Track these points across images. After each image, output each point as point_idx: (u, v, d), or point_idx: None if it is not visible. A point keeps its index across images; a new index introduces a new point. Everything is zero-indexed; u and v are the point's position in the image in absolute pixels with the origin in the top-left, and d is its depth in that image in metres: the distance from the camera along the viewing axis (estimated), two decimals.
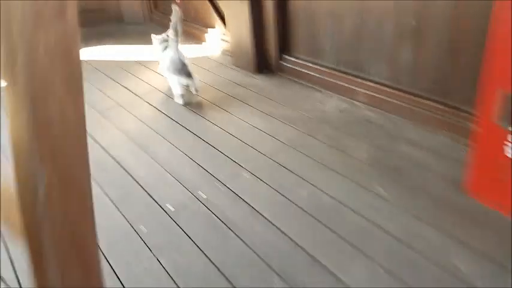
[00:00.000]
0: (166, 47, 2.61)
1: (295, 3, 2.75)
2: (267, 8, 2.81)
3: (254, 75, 3.07)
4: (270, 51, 2.98)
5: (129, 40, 3.99)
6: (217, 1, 3.34)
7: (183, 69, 2.50)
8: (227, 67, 3.28)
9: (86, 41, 3.95)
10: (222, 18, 3.38)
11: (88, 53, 3.72)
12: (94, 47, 3.83)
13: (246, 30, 2.92)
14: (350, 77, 2.57)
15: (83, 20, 0.70)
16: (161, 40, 2.66)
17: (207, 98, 2.82)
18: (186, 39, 3.79)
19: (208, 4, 3.42)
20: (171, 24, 2.51)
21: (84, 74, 0.68)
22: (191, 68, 2.62)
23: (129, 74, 3.28)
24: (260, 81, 3.01)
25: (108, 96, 2.92)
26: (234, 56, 3.24)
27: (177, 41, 2.54)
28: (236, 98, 2.79)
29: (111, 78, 3.23)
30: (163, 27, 4.30)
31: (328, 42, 2.65)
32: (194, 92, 2.74)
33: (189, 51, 3.63)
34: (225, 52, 3.50)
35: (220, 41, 3.53)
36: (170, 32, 2.55)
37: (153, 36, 2.72)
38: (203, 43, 3.72)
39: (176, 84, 2.61)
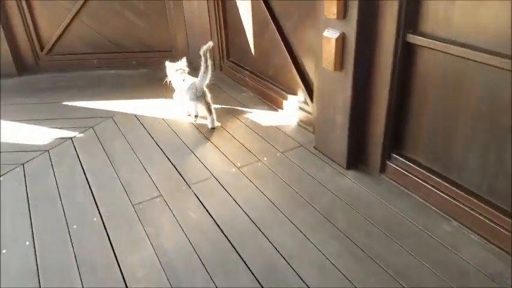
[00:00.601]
0: (183, 79, 2.83)
1: (424, 89, 1.87)
2: (379, 88, 1.98)
3: (344, 172, 2.23)
4: (373, 142, 2.13)
5: None
6: (305, 67, 2.60)
7: (203, 99, 2.72)
8: (304, 150, 2.46)
9: (146, 89, 3.40)
10: (308, 87, 2.61)
11: (151, 109, 3.14)
12: (154, 99, 3.26)
13: (342, 111, 2.11)
14: (501, 211, 1.64)
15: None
16: (176, 69, 2.90)
17: (273, 199, 2.04)
18: (257, 100, 3.18)
19: (292, 66, 2.69)
20: (202, 56, 2.61)
21: None
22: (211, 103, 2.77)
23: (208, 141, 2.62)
24: (352, 183, 2.14)
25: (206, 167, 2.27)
26: (317, 137, 2.44)
27: (205, 75, 2.67)
28: (314, 208, 1.96)
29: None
30: (234, 79, 3.63)
31: (474, 158, 1.75)
32: (210, 127, 2.78)
33: (258, 116, 2.92)
34: (302, 125, 2.71)
35: (299, 109, 2.75)
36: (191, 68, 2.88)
37: (167, 63, 2.92)
38: (277, 109, 2.97)
39: (193, 107, 2.82)
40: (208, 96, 2.72)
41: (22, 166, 2.44)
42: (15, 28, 3.67)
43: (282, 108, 2.93)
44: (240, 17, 3.21)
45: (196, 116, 2.83)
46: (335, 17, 1.94)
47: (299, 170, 2.28)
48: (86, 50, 3.85)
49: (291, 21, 2.67)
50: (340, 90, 2.08)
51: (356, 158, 2.21)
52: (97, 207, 2.08)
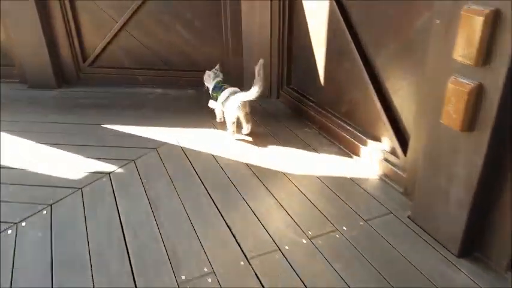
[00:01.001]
0: (222, 88, 2.78)
1: None
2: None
3: (455, 261, 1.67)
4: (501, 227, 1.58)
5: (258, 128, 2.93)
6: (398, 110, 2.10)
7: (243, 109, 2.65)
8: (395, 219, 1.91)
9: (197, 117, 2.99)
10: (400, 136, 2.09)
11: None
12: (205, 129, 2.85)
13: (463, 184, 1.57)
14: None
15: None
16: (214, 76, 2.88)
17: None
18: (325, 140, 2.64)
19: (379, 106, 2.18)
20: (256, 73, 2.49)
21: None
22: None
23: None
24: (470, 280, 1.58)
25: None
26: (416, 206, 1.90)
27: (253, 92, 2.53)
28: None
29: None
30: (294, 110, 3.09)
31: None
32: (244, 133, 2.74)
33: (327, 161, 2.42)
34: (388, 181, 2.18)
35: (383, 160, 2.23)
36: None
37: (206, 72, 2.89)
38: (351, 155, 2.47)
39: (231, 122, 2.69)
40: (248, 107, 2.67)
41: (50, 208, 2.05)
42: (57, 35, 3.37)
43: (358, 155, 2.42)
44: (309, 39, 2.73)
45: (233, 132, 2.72)
46: (471, 62, 1.42)
47: (392, 251, 1.74)
48: (131, 64, 3.48)
49: (383, 54, 2.15)
50: (465, 157, 1.55)
51: (473, 244, 1.67)
52: (134, 280, 1.64)
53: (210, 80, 2.84)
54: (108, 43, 3.42)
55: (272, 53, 3.05)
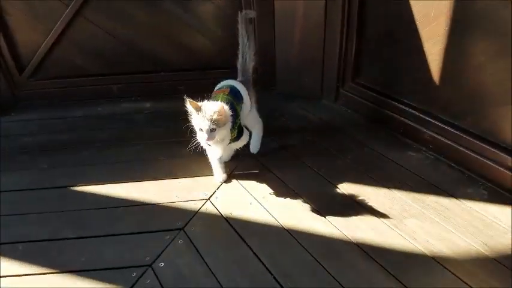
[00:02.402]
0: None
1: None
2: None
3: None
4: None
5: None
6: None
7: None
8: None
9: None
10: None
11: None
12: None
13: None
14: None
15: None
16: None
17: None
18: (450, 170, 1.64)
19: None
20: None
21: None
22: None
23: None
24: None
25: None
26: None
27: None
28: None
29: None
30: (374, 120, 1.97)
31: None
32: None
33: (475, 212, 1.40)
34: None
35: None
36: None
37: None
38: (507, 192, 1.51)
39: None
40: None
41: None
42: None
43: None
44: (407, 4, 1.68)
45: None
46: None
47: None
48: (97, 68, 2.25)
49: None
50: None
51: None
52: None
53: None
54: (57, 40, 2.15)
55: (327, 23, 1.98)
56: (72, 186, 1.65)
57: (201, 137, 1.43)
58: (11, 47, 2.14)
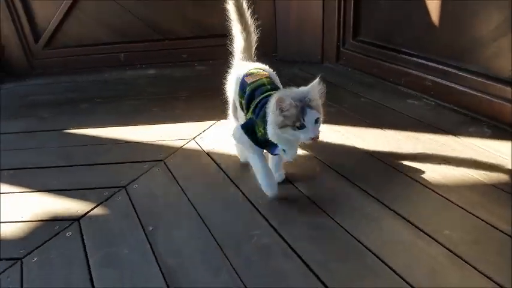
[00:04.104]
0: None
1: None
2: None
3: None
4: None
5: None
6: None
7: None
8: None
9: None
10: None
11: None
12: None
13: None
14: None
15: None
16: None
17: None
18: (453, 114, 1.55)
19: None
20: None
21: None
22: None
23: None
24: None
25: None
26: None
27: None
28: None
29: None
30: (372, 75, 1.91)
31: None
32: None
33: (482, 151, 1.28)
34: None
35: None
36: None
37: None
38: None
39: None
40: None
41: None
42: None
43: None
44: None
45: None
46: None
47: None
48: (105, 37, 2.33)
49: None
50: None
51: None
52: None
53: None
54: (69, 10, 2.27)
55: None
56: (66, 129, 1.70)
57: (306, 135, 1.00)
58: (29, 16, 2.27)
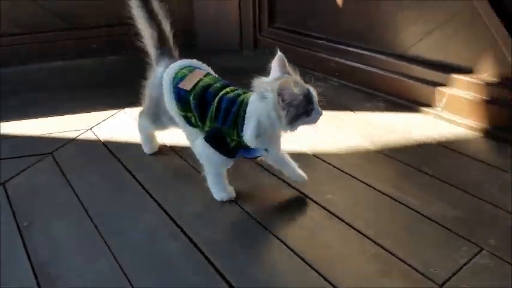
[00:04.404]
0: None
1: None
2: None
3: None
4: None
5: None
6: None
7: None
8: None
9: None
10: None
11: None
12: None
13: None
14: None
15: None
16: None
17: None
18: (357, 93, 1.62)
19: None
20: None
21: None
22: None
23: None
24: None
25: None
26: None
27: None
28: None
29: None
30: (290, 60, 1.88)
31: None
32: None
33: (378, 123, 1.38)
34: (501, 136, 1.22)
35: (487, 103, 1.22)
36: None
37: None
38: (412, 107, 1.44)
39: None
40: None
41: None
42: None
43: (431, 105, 1.38)
44: None
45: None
46: None
47: None
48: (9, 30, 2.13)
49: None
50: None
51: None
52: None
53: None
54: None
55: None
56: None
57: (316, 115, 0.95)
58: None
